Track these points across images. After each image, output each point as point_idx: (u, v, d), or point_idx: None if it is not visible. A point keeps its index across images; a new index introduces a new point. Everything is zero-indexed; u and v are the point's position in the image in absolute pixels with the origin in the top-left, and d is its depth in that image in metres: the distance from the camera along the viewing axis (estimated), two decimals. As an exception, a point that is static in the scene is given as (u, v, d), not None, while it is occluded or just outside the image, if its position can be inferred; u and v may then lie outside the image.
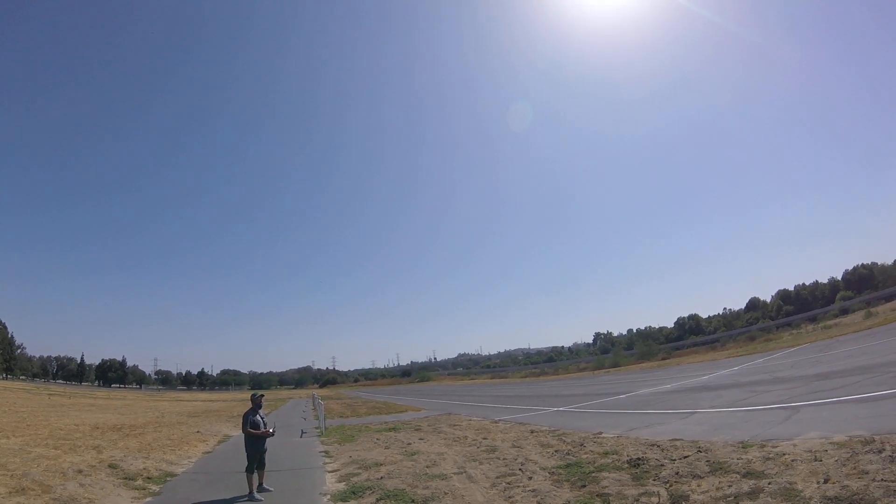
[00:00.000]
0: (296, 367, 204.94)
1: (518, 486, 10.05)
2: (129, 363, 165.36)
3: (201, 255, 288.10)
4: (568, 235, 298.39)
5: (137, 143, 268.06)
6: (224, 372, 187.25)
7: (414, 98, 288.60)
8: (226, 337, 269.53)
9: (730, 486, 7.97)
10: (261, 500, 11.09)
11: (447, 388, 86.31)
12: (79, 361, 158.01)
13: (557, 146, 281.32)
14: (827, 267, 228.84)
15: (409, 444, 17.73)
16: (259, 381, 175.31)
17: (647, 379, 39.69)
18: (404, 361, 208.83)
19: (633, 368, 67.19)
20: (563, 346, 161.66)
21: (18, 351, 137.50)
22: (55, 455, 15.64)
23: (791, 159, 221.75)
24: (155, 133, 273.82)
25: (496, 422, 22.62)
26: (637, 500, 8.18)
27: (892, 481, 6.70)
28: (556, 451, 13.39)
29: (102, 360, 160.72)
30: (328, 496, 11.16)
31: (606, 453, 12.09)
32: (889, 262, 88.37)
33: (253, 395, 12.70)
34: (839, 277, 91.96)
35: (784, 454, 9.12)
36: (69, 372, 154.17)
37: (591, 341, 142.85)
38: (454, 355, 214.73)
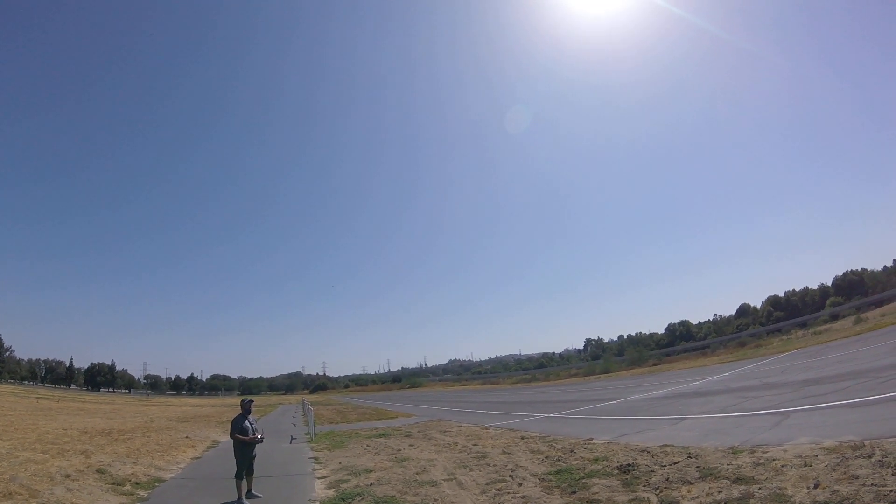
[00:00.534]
0: (286, 373, 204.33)
1: (508, 493, 9.99)
2: (118, 367, 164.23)
3: (192, 260, 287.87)
4: (559, 243, 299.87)
5: (130, 153, 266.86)
6: (214, 377, 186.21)
7: (409, 104, 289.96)
8: (216, 342, 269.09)
9: (720, 491, 7.94)
10: None
11: (438, 394, 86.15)
12: (67, 365, 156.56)
13: (551, 153, 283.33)
14: (817, 273, 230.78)
15: (399, 450, 17.63)
16: (249, 387, 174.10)
17: (637, 385, 39.75)
18: (395, 367, 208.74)
19: (624, 374, 67.31)
20: (554, 353, 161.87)
21: (7, 354, 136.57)
22: (43, 459, 15.43)
23: (782, 167, 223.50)
24: (150, 142, 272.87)
25: (486, 428, 22.55)
26: (627, 507, 8.14)
27: (882, 486, 6.69)
28: (546, 458, 13.34)
29: (91, 363, 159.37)
30: (317, 503, 11.06)
31: (597, 459, 12.06)
32: (878, 268, 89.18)
33: (243, 401, 12.52)
34: (829, 284, 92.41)
35: (774, 460, 9.11)
36: (58, 376, 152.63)
37: (582, 347, 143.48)
38: (445, 361, 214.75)
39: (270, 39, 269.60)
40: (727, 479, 8.55)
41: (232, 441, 11.68)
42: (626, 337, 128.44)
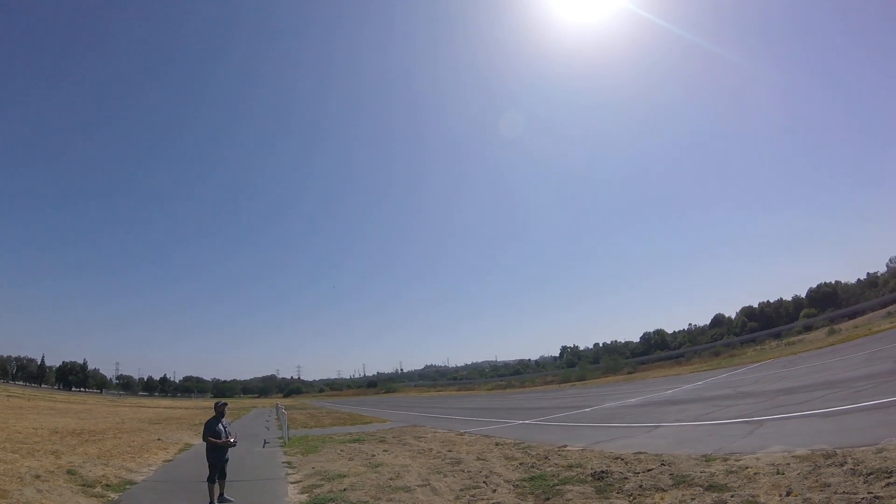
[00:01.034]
0: (260, 376, 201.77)
1: (482, 499, 9.93)
2: (91, 367, 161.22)
3: (167, 259, 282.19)
4: (535, 250, 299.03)
5: (104, 148, 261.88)
6: (187, 378, 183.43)
7: (393, 109, 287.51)
8: (189, 343, 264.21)
9: (693, 499, 7.94)
10: None
11: (413, 399, 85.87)
12: (39, 363, 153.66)
13: (539, 157, 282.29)
14: (791, 285, 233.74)
15: (374, 455, 17.50)
16: (222, 389, 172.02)
17: (612, 393, 39.88)
18: (370, 372, 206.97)
19: (599, 382, 67.57)
20: (529, 359, 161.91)
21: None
22: (12, 459, 15.15)
23: (758, 180, 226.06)
24: (127, 137, 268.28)
25: (461, 434, 22.47)
26: (600, 513, 8.09)
27: (854, 494, 6.72)
28: (520, 464, 13.30)
29: (63, 362, 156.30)
30: (290, 508, 10.90)
31: (571, 466, 12.04)
32: (852, 280, 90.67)
33: (217, 404, 12.41)
34: (803, 295, 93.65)
35: (747, 467, 9.13)
36: (29, 373, 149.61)
37: (557, 355, 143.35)
38: (421, 367, 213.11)
39: (256, 33, 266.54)
40: (700, 486, 8.55)
41: (205, 444, 11.55)
42: (601, 345, 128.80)
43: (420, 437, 22.27)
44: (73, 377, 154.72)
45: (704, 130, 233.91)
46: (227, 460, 11.64)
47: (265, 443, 24.04)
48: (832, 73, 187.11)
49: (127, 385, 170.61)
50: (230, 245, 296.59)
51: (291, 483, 13.74)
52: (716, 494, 7.91)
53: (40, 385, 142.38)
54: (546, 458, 13.75)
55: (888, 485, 6.82)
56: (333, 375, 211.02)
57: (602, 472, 10.78)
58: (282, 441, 24.60)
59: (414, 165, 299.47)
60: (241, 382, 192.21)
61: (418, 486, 11.71)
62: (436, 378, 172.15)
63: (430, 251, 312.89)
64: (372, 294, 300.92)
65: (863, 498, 6.51)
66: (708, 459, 10.42)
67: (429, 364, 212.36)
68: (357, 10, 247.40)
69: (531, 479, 11.20)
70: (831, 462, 8.37)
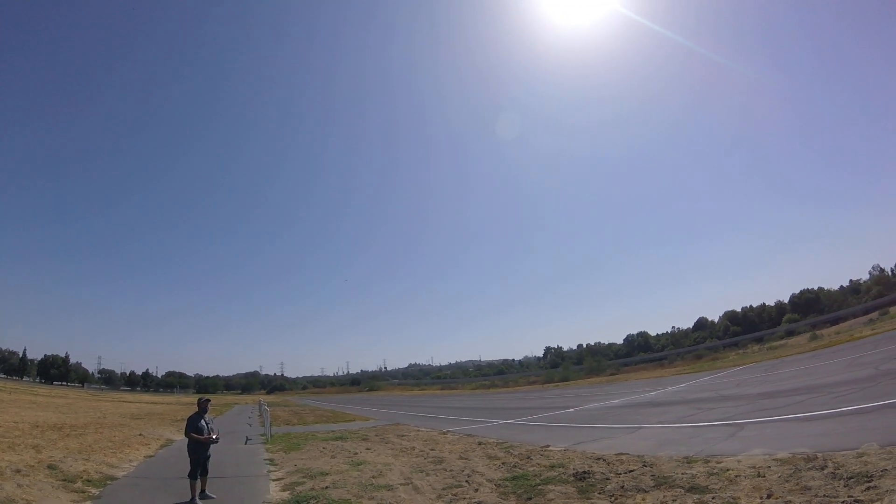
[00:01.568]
0: (243, 372, 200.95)
1: (464, 498, 9.88)
2: (73, 360, 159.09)
3: (149, 253, 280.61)
4: (520, 253, 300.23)
5: (83, 129, 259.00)
6: (169, 374, 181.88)
7: (395, 108, 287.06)
8: (172, 339, 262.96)
9: (674, 500, 7.94)
10: None
11: (397, 398, 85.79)
12: (21, 355, 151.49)
13: (527, 162, 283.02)
14: (774, 291, 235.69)
15: (356, 453, 17.40)
16: (205, 385, 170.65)
17: (595, 394, 40.05)
18: (354, 370, 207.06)
19: (582, 383, 67.88)
20: (513, 360, 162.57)
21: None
22: (-7, 454, 14.93)
23: (745, 186, 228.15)
24: (103, 119, 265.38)
25: (444, 433, 22.43)
26: (582, 514, 8.07)
27: (834, 497, 6.74)
28: (503, 464, 13.27)
29: (45, 355, 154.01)
30: (271, 505, 10.82)
31: (553, 466, 12.02)
32: (835, 287, 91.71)
33: (199, 400, 12.33)
34: (786, 301, 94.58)
35: (728, 470, 9.15)
36: (10, 366, 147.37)
37: (541, 355, 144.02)
38: (405, 365, 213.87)
39: (263, 40, 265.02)
40: (681, 487, 8.55)
41: (186, 440, 11.46)
42: (585, 346, 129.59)
43: (403, 436, 22.21)
44: (55, 371, 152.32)
45: (689, 131, 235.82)
46: (208, 457, 11.53)
47: (247, 439, 23.93)
48: (828, 76, 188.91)
49: (109, 380, 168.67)
50: (215, 241, 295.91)
51: (273, 480, 13.63)
52: (697, 496, 7.91)
53: (21, 378, 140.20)
54: (528, 457, 13.73)
55: (868, 489, 6.84)
56: (317, 373, 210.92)
57: (584, 472, 10.77)
58: (264, 438, 24.44)
59: (418, 168, 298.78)
60: (223, 379, 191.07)
61: (401, 484, 11.65)
62: (419, 377, 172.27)
63: (415, 251, 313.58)
64: (357, 292, 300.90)
65: (843, 501, 6.53)
66: (689, 461, 10.44)
67: (413, 363, 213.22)
68: (361, 18, 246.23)
69: (513, 479, 11.17)
70: (812, 465, 8.40)
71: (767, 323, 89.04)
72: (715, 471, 9.26)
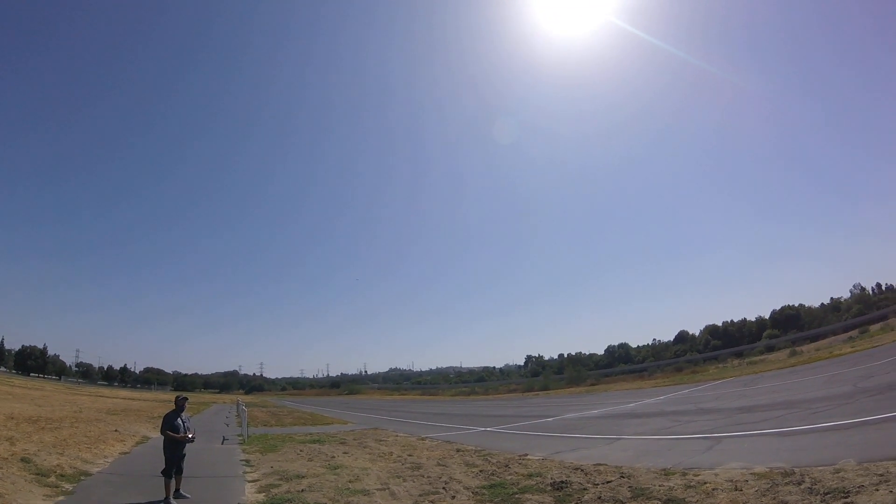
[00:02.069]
0: (222, 371, 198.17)
1: (440, 505, 9.80)
2: (51, 352, 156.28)
3: (133, 250, 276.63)
4: (504, 261, 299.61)
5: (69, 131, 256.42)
6: (147, 370, 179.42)
7: (388, 112, 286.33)
8: (152, 334, 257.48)
9: (651, 512, 7.90)
10: None
11: (376, 402, 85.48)
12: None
13: (510, 170, 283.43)
14: (755, 306, 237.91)
15: (333, 457, 17.25)
16: (183, 383, 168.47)
17: (575, 403, 40.12)
18: (334, 373, 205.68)
19: (563, 393, 68.02)
20: (494, 367, 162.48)
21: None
22: (-34, 446, 14.68)
23: (730, 203, 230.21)
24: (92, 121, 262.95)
25: (423, 439, 22.32)
26: (558, 524, 8.02)
27: (810, 514, 6.73)
28: (480, 471, 13.21)
29: (23, 346, 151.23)
30: (246, 506, 10.69)
31: (531, 475, 11.98)
32: (816, 304, 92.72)
33: (177, 398, 12.17)
34: (767, 317, 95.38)
35: (705, 483, 9.15)
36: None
37: (522, 363, 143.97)
38: (385, 369, 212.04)
39: (264, 44, 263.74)
40: (658, 499, 8.54)
41: (162, 438, 11.32)
42: (566, 356, 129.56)
43: (381, 441, 22.07)
44: (32, 362, 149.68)
45: (675, 144, 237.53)
46: (184, 455, 11.39)
47: (224, 439, 23.68)
48: (814, 95, 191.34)
49: (86, 373, 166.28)
50: (200, 240, 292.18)
51: (249, 481, 13.46)
52: (674, 509, 7.90)
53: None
54: (506, 466, 13.68)
55: (844, 505, 6.86)
56: (296, 374, 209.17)
57: (562, 482, 10.73)
58: (241, 439, 24.17)
59: (406, 174, 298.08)
60: (202, 377, 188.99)
61: (377, 489, 11.55)
62: (400, 381, 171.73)
63: (400, 258, 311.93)
64: (340, 296, 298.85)
65: (819, 517, 6.53)
66: (667, 473, 10.43)
67: (393, 367, 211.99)
68: (361, 25, 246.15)
69: (490, 487, 11.11)
70: (789, 480, 8.41)
71: (748, 338, 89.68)
72: (692, 483, 9.26)
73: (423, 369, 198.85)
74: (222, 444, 22.34)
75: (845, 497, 7.10)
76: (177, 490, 11.11)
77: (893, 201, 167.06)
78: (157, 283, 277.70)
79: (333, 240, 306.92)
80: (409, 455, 17.11)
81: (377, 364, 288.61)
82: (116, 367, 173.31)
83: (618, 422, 23.11)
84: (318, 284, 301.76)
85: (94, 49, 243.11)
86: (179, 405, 11.78)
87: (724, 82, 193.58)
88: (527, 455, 15.29)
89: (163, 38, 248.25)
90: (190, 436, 11.48)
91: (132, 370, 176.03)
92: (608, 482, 10.31)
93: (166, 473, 10.87)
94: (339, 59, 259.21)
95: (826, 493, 7.41)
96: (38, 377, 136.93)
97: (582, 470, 12.00)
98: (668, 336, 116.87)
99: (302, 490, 11.74)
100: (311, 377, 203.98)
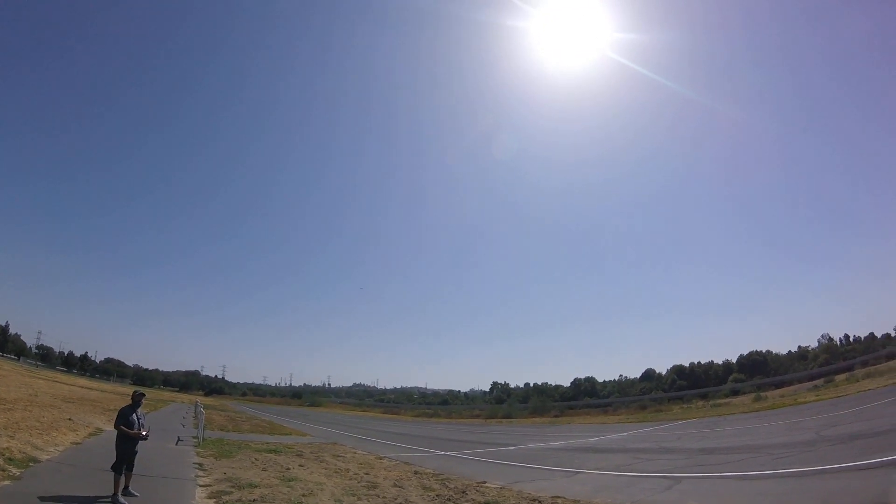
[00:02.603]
0: (183, 370, 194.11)
1: (392, 527, 9.57)
2: (12, 331, 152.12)
3: (105, 234, 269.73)
4: (475, 283, 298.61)
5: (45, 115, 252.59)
6: (108, 360, 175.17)
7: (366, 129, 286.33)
8: (116, 324, 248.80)
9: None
10: None
11: (337, 416, 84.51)
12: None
13: (507, 190, 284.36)
14: (723, 349, 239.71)
15: (289, 469, 16.88)
16: (143, 378, 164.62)
17: (537, 434, 40.08)
18: (298, 383, 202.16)
19: (526, 422, 67.89)
20: (459, 391, 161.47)
21: None
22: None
23: (704, 242, 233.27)
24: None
25: (381, 458, 21.99)
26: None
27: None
28: (437, 496, 13.02)
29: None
30: (195, 512, 10.37)
31: (487, 503, 11.78)
32: (783, 351, 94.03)
33: (134, 393, 11.96)
34: (734, 360, 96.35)
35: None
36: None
37: (487, 389, 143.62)
38: (349, 384, 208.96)
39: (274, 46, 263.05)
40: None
41: (116, 432, 11.05)
42: (532, 385, 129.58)
43: (338, 456, 21.70)
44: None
45: (649, 183, 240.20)
46: (136, 452, 11.15)
47: (179, 440, 23.32)
48: (815, 128, 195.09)
49: (46, 357, 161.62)
50: (172, 230, 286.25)
51: (200, 486, 13.11)
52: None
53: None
54: (464, 492, 13.50)
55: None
56: (259, 380, 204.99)
57: (518, 512, 10.57)
58: (196, 441, 23.65)
59: (378, 193, 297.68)
60: (163, 373, 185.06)
61: (330, 506, 11.30)
62: (363, 397, 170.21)
63: (373, 273, 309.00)
64: (309, 305, 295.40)
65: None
66: (624, 511, 10.33)
67: (357, 382, 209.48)
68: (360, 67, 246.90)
69: (446, 513, 10.91)
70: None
71: (714, 380, 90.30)
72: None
73: (388, 387, 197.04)
74: (176, 444, 21.96)
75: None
76: (125, 487, 10.85)
77: (848, 263, 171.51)
78: (127, 273, 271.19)
79: (303, 245, 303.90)
80: (366, 473, 16.83)
81: (341, 378, 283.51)
82: (77, 353, 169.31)
83: (579, 455, 23.03)
84: (288, 294, 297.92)
85: (120, 49, 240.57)
86: (136, 401, 11.55)
87: (698, 108, 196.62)
88: (485, 482, 15.11)
89: (187, 39, 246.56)
90: (144, 433, 11.25)
91: (93, 359, 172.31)
92: (565, 516, 10.17)
93: (116, 469, 10.61)
94: (346, 82, 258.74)
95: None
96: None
97: (539, 501, 11.90)
98: (635, 373, 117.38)
99: (254, 500, 11.50)
100: (274, 385, 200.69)
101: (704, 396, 75.00)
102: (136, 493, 10.92)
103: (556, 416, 74.23)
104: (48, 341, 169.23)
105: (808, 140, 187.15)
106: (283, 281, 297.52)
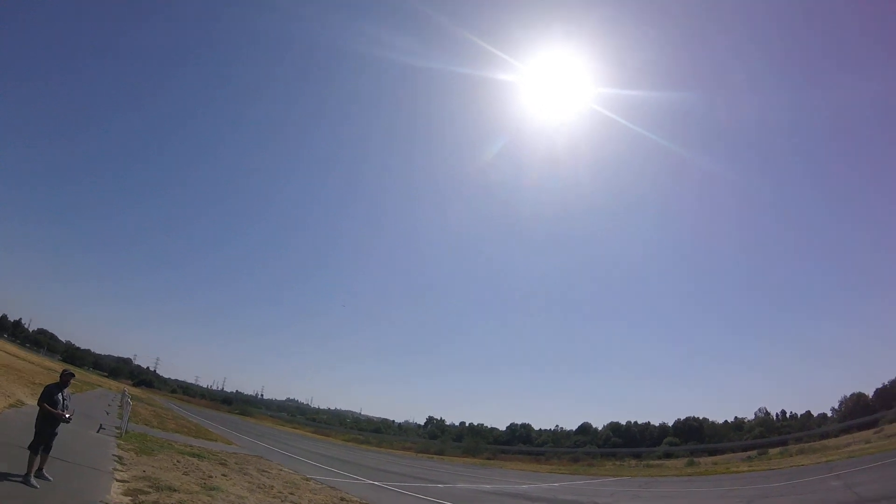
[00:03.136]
0: (115, 356, 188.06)
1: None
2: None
3: (58, 202, 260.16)
4: (422, 316, 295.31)
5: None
6: (41, 332, 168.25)
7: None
8: (56, 296, 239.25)
9: None
10: (36, 488, 9.79)
11: (267, 429, 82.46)
12: None
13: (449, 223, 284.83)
14: (660, 412, 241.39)
15: (211, 477, 16.19)
16: (74, 356, 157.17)
17: (469, 474, 39.73)
18: (230, 388, 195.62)
19: (457, 461, 67.34)
20: (393, 420, 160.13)
21: None
22: None
23: (659, 307, 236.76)
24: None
25: (308, 479, 21.21)
26: None
27: None
28: (361, 528, 12.51)
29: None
30: (109, 507, 9.83)
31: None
32: (720, 420, 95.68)
33: (64, 372, 11.70)
34: (670, 424, 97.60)
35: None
36: None
37: (422, 423, 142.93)
38: (283, 398, 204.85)
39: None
40: None
41: (38, 409, 10.70)
42: (467, 424, 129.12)
43: (264, 472, 20.85)
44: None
45: (628, 241, 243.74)
46: (56, 434, 10.80)
47: (101, 428, 22.62)
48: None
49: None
50: (127, 208, 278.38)
51: (117, 480, 12.54)
52: None
53: None
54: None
55: None
56: (191, 379, 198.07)
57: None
58: (119, 432, 22.91)
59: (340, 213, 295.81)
60: (94, 355, 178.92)
61: (250, 525, 10.75)
62: (295, 413, 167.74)
63: (318, 288, 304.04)
64: (254, 311, 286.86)
65: None
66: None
67: (291, 397, 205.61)
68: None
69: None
70: None
71: (648, 441, 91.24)
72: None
73: (321, 407, 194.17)
74: (97, 432, 21.37)
75: None
76: (40, 469, 10.45)
77: (791, 342, 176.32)
78: (78, 247, 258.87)
79: (257, 242, 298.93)
80: (291, 493, 16.20)
81: (275, 390, 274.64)
82: (11, 318, 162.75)
83: (508, 500, 22.86)
84: (233, 298, 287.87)
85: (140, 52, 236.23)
86: (64, 380, 11.28)
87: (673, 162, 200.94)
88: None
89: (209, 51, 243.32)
90: (67, 415, 10.94)
91: (26, 326, 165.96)
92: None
93: (33, 448, 10.22)
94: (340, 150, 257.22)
95: None
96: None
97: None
98: (572, 425, 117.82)
99: (171, 505, 10.88)
100: (206, 386, 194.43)
101: (638, 456, 75.52)
102: (49, 478, 10.50)
103: (489, 459, 74.00)
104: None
105: (765, 220, 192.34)
106: (231, 285, 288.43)
